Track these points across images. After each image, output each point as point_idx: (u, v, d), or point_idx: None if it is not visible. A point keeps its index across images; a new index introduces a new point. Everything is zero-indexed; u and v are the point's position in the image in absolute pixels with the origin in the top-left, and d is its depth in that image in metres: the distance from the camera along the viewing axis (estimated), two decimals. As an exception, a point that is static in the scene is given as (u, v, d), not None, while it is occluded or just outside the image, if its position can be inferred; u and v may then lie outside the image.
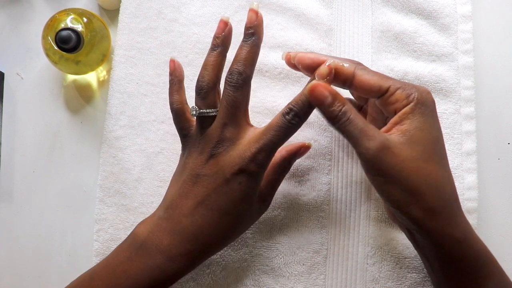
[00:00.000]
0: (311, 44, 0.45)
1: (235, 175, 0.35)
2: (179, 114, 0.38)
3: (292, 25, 0.46)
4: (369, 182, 0.43)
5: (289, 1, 0.46)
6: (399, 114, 0.34)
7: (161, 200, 0.43)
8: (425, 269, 0.41)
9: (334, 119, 0.33)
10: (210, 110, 0.36)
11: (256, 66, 0.44)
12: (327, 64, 0.34)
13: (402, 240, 0.42)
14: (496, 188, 0.44)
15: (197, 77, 0.37)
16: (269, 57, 0.45)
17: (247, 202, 0.36)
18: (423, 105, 0.33)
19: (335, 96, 0.33)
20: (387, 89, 0.34)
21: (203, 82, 0.36)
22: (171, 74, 0.39)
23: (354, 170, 0.43)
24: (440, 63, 0.45)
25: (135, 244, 0.35)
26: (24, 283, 0.44)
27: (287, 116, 0.34)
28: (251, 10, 0.36)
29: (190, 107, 0.37)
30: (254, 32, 0.36)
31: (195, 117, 0.37)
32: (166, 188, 0.43)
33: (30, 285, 0.44)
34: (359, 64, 0.37)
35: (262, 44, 0.45)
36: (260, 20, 0.36)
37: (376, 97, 0.35)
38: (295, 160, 0.41)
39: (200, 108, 0.36)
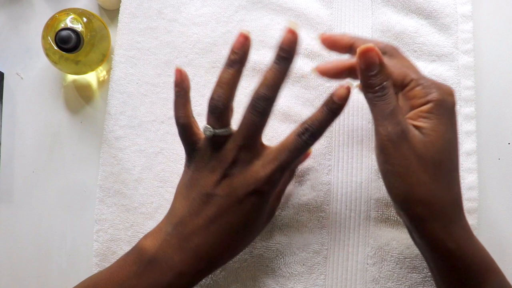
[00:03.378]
0: (311, 44, 0.45)
1: (249, 195, 0.34)
2: (186, 129, 0.36)
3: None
4: (371, 177, 0.43)
5: (289, 1, 0.46)
6: (416, 111, 0.33)
7: (161, 200, 0.43)
8: (425, 269, 0.41)
9: (372, 89, 0.33)
10: (224, 130, 0.35)
11: (256, 66, 0.45)
12: (371, 45, 0.33)
13: (402, 240, 0.42)
14: (496, 188, 0.44)
15: (206, 90, 0.37)
16: (269, 57, 0.45)
17: (258, 219, 0.36)
18: (442, 107, 0.33)
19: (383, 67, 0.33)
20: (409, 83, 0.34)
21: (219, 102, 0.34)
22: (177, 85, 0.36)
23: (354, 170, 0.43)
24: (440, 63, 0.45)
25: (142, 259, 0.35)
26: (24, 283, 0.44)
27: (303, 137, 0.34)
28: (289, 30, 0.33)
29: (203, 126, 0.35)
30: (288, 57, 0.33)
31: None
32: (166, 188, 0.43)
33: (30, 285, 0.44)
34: (394, 49, 0.37)
35: (262, 45, 0.45)
36: (297, 41, 0.33)
37: (399, 89, 0.35)
38: (296, 168, 0.41)
39: (214, 128, 0.35)
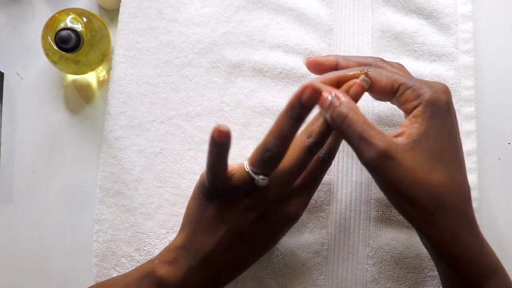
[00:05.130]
0: (311, 44, 0.45)
1: (285, 229, 0.36)
2: (222, 179, 0.33)
3: (292, 25, 0.46)
4: (371, 177, 0.43)
5: (289, 1, 0.46)
6: (409, 116, 0.33)
7: (161, 200, 0.43)
8: (425, 269, 0.41)
9: (332, 121, 0.32)
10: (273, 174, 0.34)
11: (256, 66, 0.45)
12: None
13: (402, 240, 0.42)
14: (496, 188, 0.44)
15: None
16: (269, 57, 0.45)
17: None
18: (433, 107, 0.32)
19: (332, 95, 0.32)
20: (398, 88, 0.33)
21: (278, 156, 0.32)
22: (220, 145, 0.31)
23: (354, 170, 0.43)
24: (441, 63, 0.45)
25: None
26: (24, 283, 0.44)
27: (326, 163, 0.36)
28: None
29: (256, 177, 0.33)
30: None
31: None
32: (166, 188, 0.43)
33: (30, 285, 0.44)
34: (381, 60, 0.37)
35: (262, 45, 0.45)
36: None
37: (391, 98, 0.34)
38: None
39: (266, 176, 0.33)
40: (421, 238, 0.35)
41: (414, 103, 0.32)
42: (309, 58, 0.38)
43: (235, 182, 0.33)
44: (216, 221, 0.34)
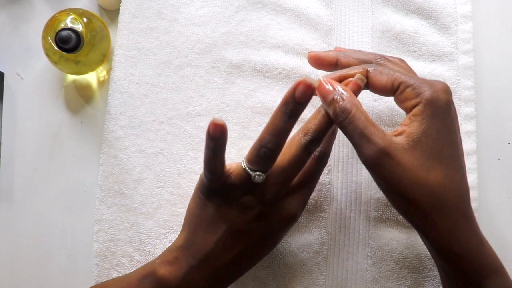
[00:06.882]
0: (311, 44, 0.45)
1: (284, 229, 0.36)
2: (218, 176, 0.33)
3: (292, 25, 0.46)
4: (371, 177, 0.43)
5: (289, 1, 0.46)
6: (409, 115, 0.32)
7: (161, 200, 0.43)
8: (425, 269, 0.41)
9: (334, 115, 0.32)
10: (270, 171, 0.34)
11: (256, 66, 0.45)
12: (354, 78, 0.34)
13: (402, 240, 0.42)
14: (496, 188, 0.44)
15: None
16: (269, 57, 0.45)
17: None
18: (433, 106, 0.32)
19: (336, 89, 0.33)
20: (398, 86, 0.33)
21: (274, 152, 0.32)
22: (216, 139, 0.31)
23: (354, 170, 0.43)
24: (440, 63, 0.45)
25: None
26: (24, 283, 0.44)
27: (322, 161, 0.37)
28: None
29: (253, 173, 0.33)
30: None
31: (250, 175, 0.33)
32: (166, 188, 0.43)
33: (30, 285, 0.44)
34: (382, 57, 0.37)
35: (262, 45, 0.45)
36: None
37: (391, 95, 0.34)
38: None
39: (263, 172, 0.33)
40: (421, 237, 0.35)
41: (413, 102, 0.32)
42: (311, 52, 0.38)
43: (233, 180, 0.33)
44: (216, 220, 0.34)
